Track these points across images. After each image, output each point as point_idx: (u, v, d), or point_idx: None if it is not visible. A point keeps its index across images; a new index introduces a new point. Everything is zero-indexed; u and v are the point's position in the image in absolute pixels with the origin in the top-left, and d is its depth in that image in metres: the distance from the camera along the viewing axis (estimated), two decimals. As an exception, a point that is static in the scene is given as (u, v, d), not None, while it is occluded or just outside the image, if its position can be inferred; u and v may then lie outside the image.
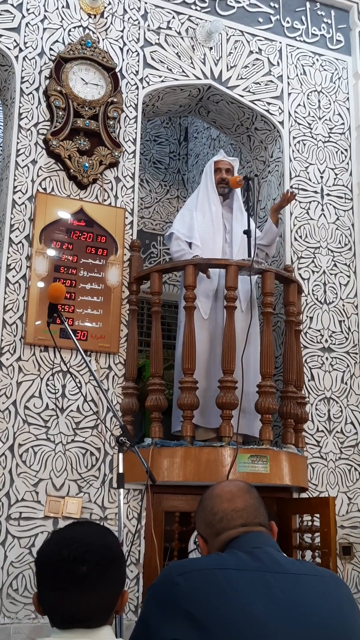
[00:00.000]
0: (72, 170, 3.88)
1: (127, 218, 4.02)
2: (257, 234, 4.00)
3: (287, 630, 1.27)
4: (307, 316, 4.37)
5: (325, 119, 4.81)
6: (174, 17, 4.44)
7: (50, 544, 1.44)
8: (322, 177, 4.69)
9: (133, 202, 4.08)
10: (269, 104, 4.63)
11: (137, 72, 4.26)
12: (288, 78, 4.74)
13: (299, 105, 4.73)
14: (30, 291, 3.67)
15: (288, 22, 4.83)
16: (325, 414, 4.28)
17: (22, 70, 3.93)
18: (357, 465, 4.27)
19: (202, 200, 4.19)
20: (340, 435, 4.28)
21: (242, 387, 3.56)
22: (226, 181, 4.17)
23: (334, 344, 4.43)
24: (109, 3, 4.25)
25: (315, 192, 4.64)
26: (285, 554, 1.48)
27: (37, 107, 3.93)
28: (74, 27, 4.12)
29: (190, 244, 4.04)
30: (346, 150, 4.83)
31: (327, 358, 4.38)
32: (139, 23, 4.33)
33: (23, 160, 3.84)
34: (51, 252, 3.77)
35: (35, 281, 3.69)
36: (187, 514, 3.67)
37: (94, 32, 4.16)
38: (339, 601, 1.38)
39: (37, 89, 3.95)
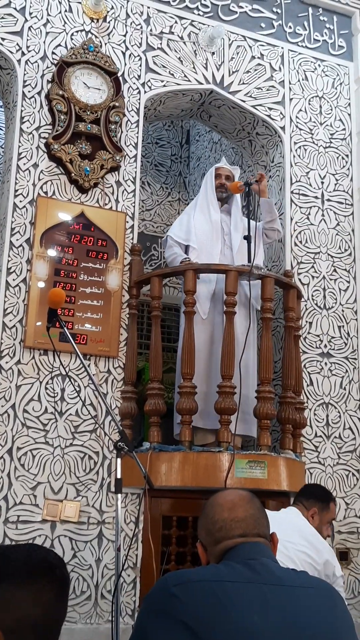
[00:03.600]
0: (73, 174, 3.89)
1: (127, 222, 4.03)
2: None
3: (282, 642, 1.28)
4: (306, 321, 4.38)
5: (327, 125, 4.82)
6: (176, 22, 4.45)
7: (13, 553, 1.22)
8: (322, 183, 4.70)
9: (134, 206, 4.09)
10: (270, 109, 4.64)
11: (139, 76, 4.27)
12: (290, 83, 4.75)
13: (301, 110, 4.74)
14: (31, 294, 3.68)
15: (290, 27, 4.84)
16: (323, 419, 4.28)
17: (25, 74, 3.94)
18: (355, 471, 4.28)
19: (201, 204, 4.23)
20: (339, 440, 4.29)
21: (241, 391, 3.56)
22: (225, 186, 4.21)
23: (333, 349, 4.43)
24: (112, 7, 4.26)
25: (316, 197, 4.65)
26: (281, 565, 1.48)
27: (39, 111, 3.94)
28: (77, 32, 4.13)
29: (187, 247, 4.06)
30: (347, 155, 4.84)
31: (326, 363, 4.39)
32: (141, 27, 4.34)
33: (24, 164, 3.85)
34: (52, 256, 3.77)
35: (35, 284, 3.70)
36: (184, 518, 3.68)
37: (96, 37, 4.17)
38: (333, 614, 1.38)
39: (39, 93, 3.96)
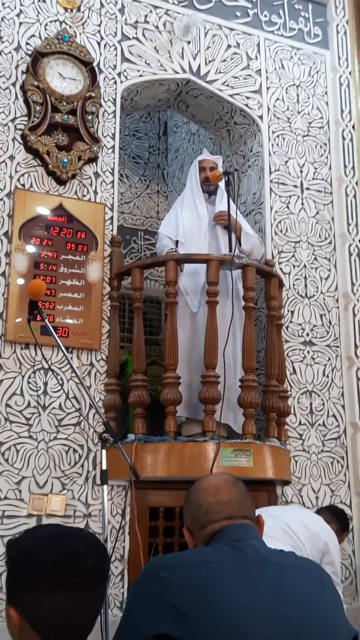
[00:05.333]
0: (50, 166, 3.85)
1: (107, 213, 4.00)
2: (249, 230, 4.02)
3: (272, 621, 1.28)
4: (288, 310, 4.39)
5: (304, 113, 4.82)
6: (151, 11, 4.42)
7: (37, 542, 1.21)
8: (301, 172, 4.70)
9: (113, 198, 4.06)
10: (247, 98, 4.63)
11: (115, 66, 4.24)
12: (266, 72, 4.74)
13: (278, 99, 4.74)
14: (10, 288, 3.64)
15: (266, 15, 4.83)
16: (307, 407, 4.29)
17: (-1, 65, 3.90)
18: (340, 458, 4.30)
19: (188, 199, 4.24)
20: (323, 428, 4.30)
21: (225, 381, 3.56)
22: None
23: (315, 337, 4.44)
24: (86, -3, 4.22)
25: (295, 186, 4.65)
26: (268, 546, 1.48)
27: (14, 102, 3.89)
28: (51, 22, 4.09)
29: (177, 242, 4.07)
30: (325, 144, 4.84)
31: (308, 352, 4.40)
32: (116, 17, 4.30)
33: (1, 156, 3.80)
34: (31, 249, 3.74)
35: (14, 278, 3.66)
36: (171, 509, 3.67)
37: (70, 27, 4.13)
38: (321, 591, 1.39)
39: (13, 84, 3.91)
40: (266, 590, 1.32)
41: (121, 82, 4.24)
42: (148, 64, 4.34)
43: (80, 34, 4.16)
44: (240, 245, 4.01)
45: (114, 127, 4.17)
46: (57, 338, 2.94)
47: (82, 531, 1.27)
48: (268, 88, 4.72)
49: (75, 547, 1.19)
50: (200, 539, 1.51)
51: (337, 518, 3.36)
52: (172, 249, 4.02)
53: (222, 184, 4.17)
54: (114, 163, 4.12)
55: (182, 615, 1.26)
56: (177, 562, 1.37)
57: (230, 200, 3.95)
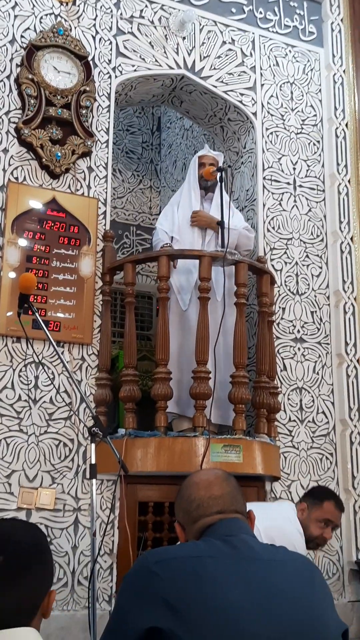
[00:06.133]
0: (44, 160, 3.85)
1: (100, 208, 4.00)
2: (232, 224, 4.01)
3: (262, 616, 1.29)
4: (279, 307, 4.40)
5: (298, 111, 4.83)
6: (146, 6, 4.41)
7: None
8: (294, 169, 4.71)
9: (106, 192, 4.06)
10: (242, 94, 4.63)
11: (109, 60, 4.23)
12: (261, 69, 4.74)
13: (272, 96, 4.74)
14: (2, 282, 3.63)
15: (261, 12, 4.83)
16: (297, 403, 4.31)
17: (-7, 58, 3.88)
18: (329, 454, 4.32)
19: (185, 194, 4.25)
20: (312, 424, 4.32)
21: (215, 377, 3.57)
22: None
23: (306, 334, 4.46)
24: (81, -10, 4.21)
25: (288, 183, 4.66)
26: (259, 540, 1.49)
27: (8, 95, 3.88)
28: (46, 15, 4.08)
29: (172, 239, 4.08)
30: (318, 142, 4.85)
31: (299, 348, 4.42)
32: (111, 11, 4.29)
33: (-6, 149, 3.79)
34: (23, 242, 3.73)
35: (7, 271, 3.65)
36: (160, 504, 3.68)
37: (65, 20, 4.12)
38: (311, 585, 1.40)
39: (8, 77, 3.90)
40: (257, 585, 1.33)
41: (116, 76, 4.24)
42: (143, 59, 4.34)
43: (75, 27, 4.15)
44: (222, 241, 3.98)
45: (108, 122, 4.17)
46: (47, 332, 2.94)
47: (11, 529, 1.32)
48: (262, 85, 4.72)
49: None
50: (191, 533, 1.52)
51: (308, 494, 3.29)
52: (166, 243, 4.03)
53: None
54: (107, 158, 4.11)
55: (173, 608, 1.27)
56: (168, 555, 1.37)
57: (225, 195, 3.96)
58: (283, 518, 3.13)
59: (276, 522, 3.04)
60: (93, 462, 2.76)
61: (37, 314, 2.93)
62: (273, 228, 4.52)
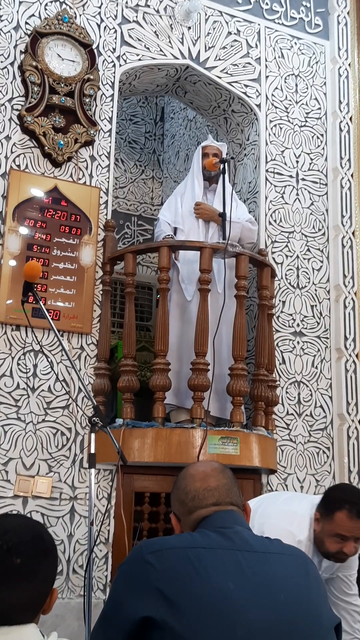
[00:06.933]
0: (46, 148, 3.83)
1: (101, 197, 3.99)
2: (236, 217, 4.01)
3: (256, 607, 1.29)
4: (279, 300, 4.40)
5: (302, 104, 4.81)
6: (152, -5, 4.39)
7: None
8: (297, 162, 4.70)
9: (108, 182, 4.04)
10: (246, 86, 4.61)
11: (114, 49, 4.21)
12: (266, 61, 4.72)
13: (276, 88, 4.72)
14: (3, 270, 3.63)
15: (267, 4, 4.80)
16: (295, 397, 4.32)
17: (-3, 44, 3.86)
18: (326, 449, 4.33)
19: (189, 185, 4.25)
20: (310, 418, 4.33)
21: (214, 369, 3.57)
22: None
23: (306, 328, 4.46)
24: (87, -22, 4.18)
25: (291, 176, 4.65)
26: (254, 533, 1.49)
27: (11, 82, 3.86)
28: (51, 2, 4.05)
29: (176, 229, 4.07)
30: (322, 135, 4.84)
31: (298, 342, 4.42)
32: (116, 0, 4.27)
33: (-3, 136, 3.78)
34: (24, 231, 3.72)
35: (7, 259, 3.65)
36: (157, 494, 3.69)
37: (70, 7, 4.09)
38: (306, 578, 1.40)
39: (11, 64, 3.88)
40: (252, 577, 1.33)
41: (120, 65, 4.22)
42: (148, 48, 4.31)
43: (80, 15, 4.13)
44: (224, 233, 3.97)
45: (112, 111, 4.15)
46: (50, 320, 2.95)
47: (24, 529, 1.37)
48: (267, 77, 4.70)
49: (9, 545, 1.30)
50: (187, 525, 1.52)
51: (322, 500, 2.57)
52: (168, 234, 4.02)
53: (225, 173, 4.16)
54: (110, 147, 4.10)
55: (166, 598, 1.28)
56: (163, 546, 1.38)
57: (228, 186, 3.95)
58: (283, 530, 2.44)
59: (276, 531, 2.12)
60: (92, 451, 2.77)
61: (40, 302, 2.94)
62: (275, 221, 4.51)
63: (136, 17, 4.31)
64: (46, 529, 1.43)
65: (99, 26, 4.18)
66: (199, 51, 4.47)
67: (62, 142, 3.86)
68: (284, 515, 2.59)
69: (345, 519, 2.44)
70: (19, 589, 1.28)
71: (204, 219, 4.09)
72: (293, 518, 2.56)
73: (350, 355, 4.47)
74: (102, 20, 4.20)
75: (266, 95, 4.66)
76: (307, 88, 4.85)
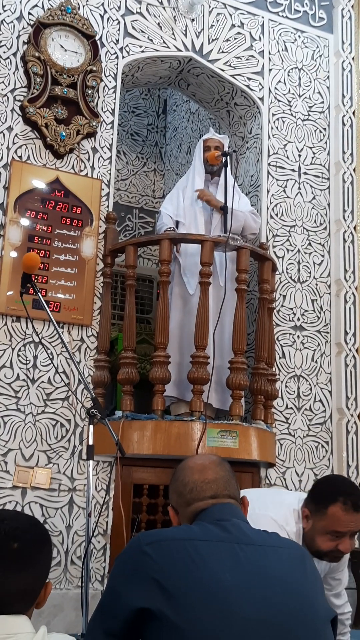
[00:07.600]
0: (48, 139, 3.83)
1: (103, 189, 3.98)
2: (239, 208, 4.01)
3: (253, 599, 1.29)
4: (280, 294, 4.40)
5: (305, 97, 4.79)
6: (156, -14, 4.37)
7: None
8: (300, 156, 4.69)
9: (110, 174, 4.04)
10: (249, 79, 4.59)
11: (117, 40, 4.19)
12: (269, 54, 4.70)
13: (280, 82, 4.71)
14: (3, 261, 3.63)
15: (271, -4, 4.78)
16: (294, 391, 4.32)
17: (0, 34, 3.84)
18: (325, 443, 4.34)
19: (191, 178, 4.23)
20: (309, 412, 4.34)
21: (214, 362, 3.57)
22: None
23: (306, 322, 4.46)
24: (91, -32, 4.16)
25: (293, 170, 4.64)
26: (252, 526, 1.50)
27: (14, 73, 3.85)
28: (54, -8, 4.04)
29: (178, 223, 4.06)
30: (325, 129, 4.82)
31: (298, 336, 4.42)
32: (120, -10, 4.25)
33: (-2, 127, 3.77)
34: (25, 222, 3.72)
35: (8, 251, 3.65)
36: (155, 486, 3.70)
37: (74, -2, 4.08)
38: (303, 571, 1.41)
39: (14, 54, 3.87)
40: (249, 569, 1.34)
41: (123, 57, 4.20)
42: (151, 40, 4.30)
43: (83, 6, 4.11)
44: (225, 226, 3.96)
45: (114, 103, 4.14)
46: (49, 312, 2.95)
47: (22, 517, 1.40)
48: (270, 70, 4.68)
49: (6, 529, 1.31)
50: (184, 517, 1.52)
51: (311, 494, 2.29)
52: (170, 227, 4.02)
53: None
54: (112, 139, 4.09)
55: (164, 590, 1.28)
56: (161, 537, 1.38)
57: (230, 179, 3.94)
58: (267, 524, 2.12)
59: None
60: (91, 443, 2.77)
61: (39, 294, 2.93)
62: (276, 215, 4.50)
63: (139, 8, 4.29)
64: (43, 525, 1.44)
65: (102, 17, 4.17)
66: (202, 43, 4.46)
67: (64, 134, 3.85)
68: (272, 505, 2.35)
69: (340, 513, 2.17)
70: (15, 575, 1.28)
71: (205, 200, 4.05)
72: (279, 508, 2.32)
73: (350, 349, 4.47)
74: (105, 12, 4.18)
75: (269, 89, 4.65)
76: (310, 82, 4.84)
